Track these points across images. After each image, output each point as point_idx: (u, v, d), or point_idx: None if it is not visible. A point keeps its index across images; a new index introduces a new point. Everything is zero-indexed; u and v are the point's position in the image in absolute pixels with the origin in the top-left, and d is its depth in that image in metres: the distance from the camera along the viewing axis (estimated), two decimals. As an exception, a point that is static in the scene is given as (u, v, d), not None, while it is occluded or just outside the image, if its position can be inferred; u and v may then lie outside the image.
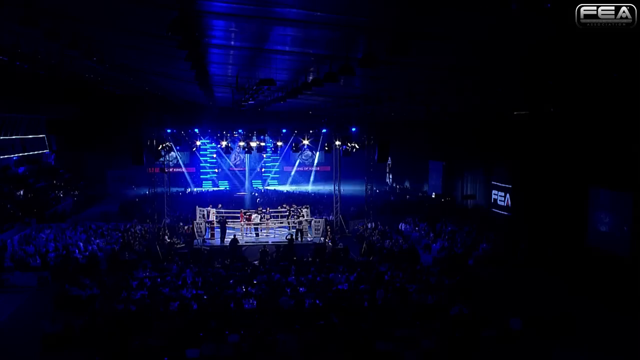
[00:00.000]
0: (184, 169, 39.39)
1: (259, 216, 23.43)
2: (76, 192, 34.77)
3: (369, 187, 26.54)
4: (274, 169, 41.83)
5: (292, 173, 41.67)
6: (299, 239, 22.41)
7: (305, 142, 26.97)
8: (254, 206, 27.99)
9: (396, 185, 39.98)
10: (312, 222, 23.20)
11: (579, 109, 18.02)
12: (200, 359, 11.36)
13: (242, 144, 27.66)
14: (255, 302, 14.64)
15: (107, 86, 26.46)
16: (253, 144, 27.43)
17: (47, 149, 36.31)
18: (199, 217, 23.35)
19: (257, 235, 23.21)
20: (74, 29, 10.83)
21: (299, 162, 41.65)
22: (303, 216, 23.33)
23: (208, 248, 21.70)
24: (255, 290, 15.67)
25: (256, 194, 36.13)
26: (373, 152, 25.07)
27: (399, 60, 9.72)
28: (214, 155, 40.24)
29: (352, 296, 15.36)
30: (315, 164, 41.78)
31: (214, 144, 35.51)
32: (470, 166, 29.62)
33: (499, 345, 12.35)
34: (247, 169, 39.84)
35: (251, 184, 39.77)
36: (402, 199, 35.52)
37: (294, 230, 22.79)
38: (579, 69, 10.64)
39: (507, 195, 26.32)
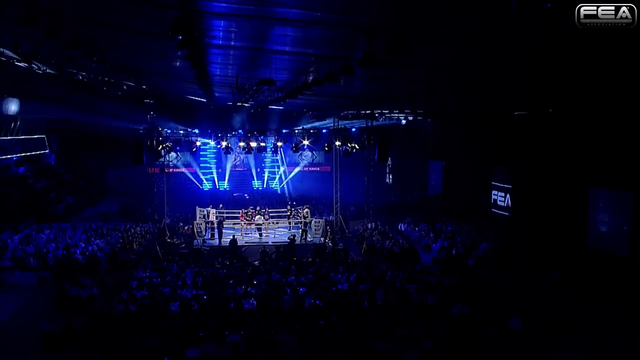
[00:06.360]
0: (183, 169, 39.26)
1: (262, 217, 23.43)
2: (76, 192, 34.75)
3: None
4: (274, 169, 41.72)
5: (292, 174, 41.50)
6: (304, 240, 22.39)
7: (305, 142, 26.94)
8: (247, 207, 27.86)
9: (396, 185, 39.91)
10: (312, 222, 23.18)
11: (579, 109, 18.02)
12: (200, 359, 11.36)
13: (242, 144, 27.64)
14: (255, 302, 14.63)
15: (107, 86, 26.41)
16: (253, 144, 27.42)
17: (47, 149, 36.29)
18: (199, 217, 23.36)
19: (260, 235, 23.20)
20: (74, 29, 10.84)
21: (296, 162, 41.41)
22: (304, 217, 23.32)
23: (208, 248, 21.72)
24: (255, 290, 15.66)
25: (247, 195, 36.06)
26: (373, 152, 25.06)
27: (399, 60, 9.72)
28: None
29: (352, 296, 15.35)
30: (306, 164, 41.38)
31: (214, 144, 35.46)
32: (470, 166, 29.58)
33: (499, 345, 12.34)
34: (252, 168, 39.81)
35: (250, 185, 39.72)
36: (402, 198, 35.48)
37: (297, 231, 22.76)
38: (579, 69, 10.65)
39: (507, 195, 26.29)
